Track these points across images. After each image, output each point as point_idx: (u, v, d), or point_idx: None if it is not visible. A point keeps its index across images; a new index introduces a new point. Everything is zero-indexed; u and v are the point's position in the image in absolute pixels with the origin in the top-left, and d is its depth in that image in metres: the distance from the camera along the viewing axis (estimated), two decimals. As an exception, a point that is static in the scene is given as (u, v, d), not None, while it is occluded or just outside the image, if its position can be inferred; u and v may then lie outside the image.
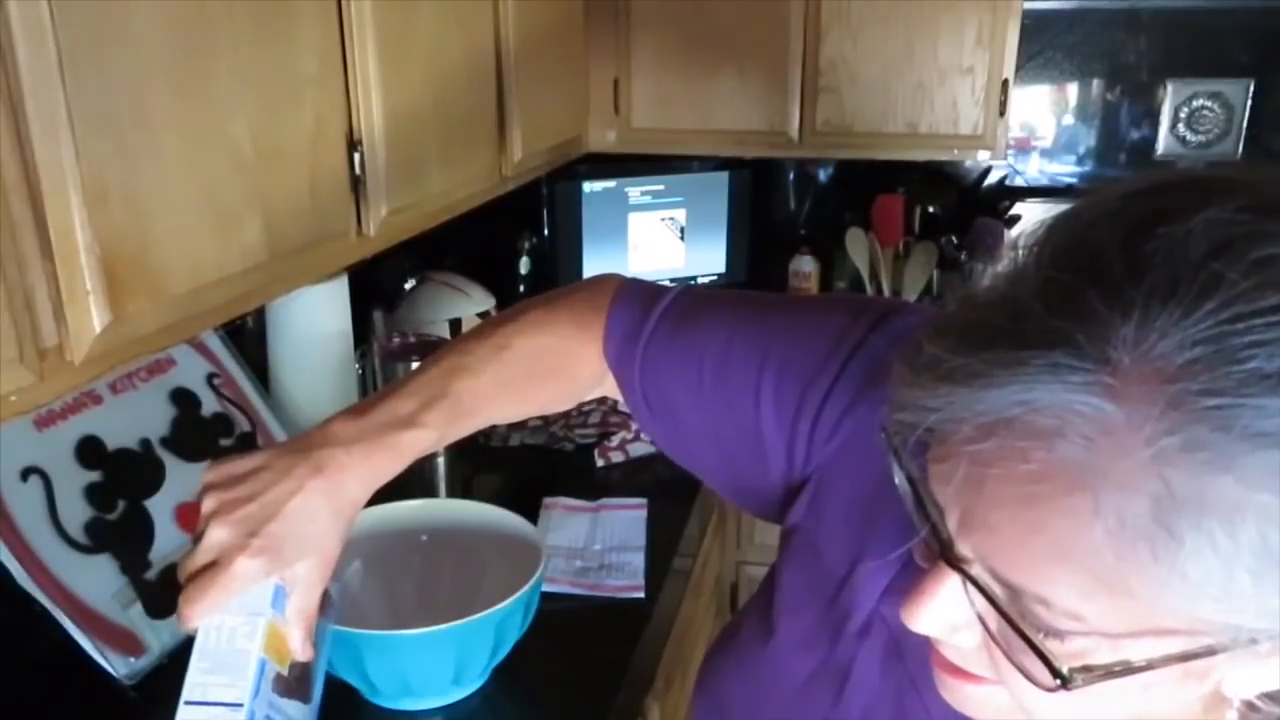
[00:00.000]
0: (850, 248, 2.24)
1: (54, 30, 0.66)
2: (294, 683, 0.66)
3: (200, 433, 1.30)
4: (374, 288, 1.77)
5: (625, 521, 1.51)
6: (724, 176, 2.26)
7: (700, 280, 2.33)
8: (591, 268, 2.23)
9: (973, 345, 0.38)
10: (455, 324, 1.86)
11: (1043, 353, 0.36)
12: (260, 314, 1.50)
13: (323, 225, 1.03)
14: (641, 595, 1.32)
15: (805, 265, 2.28)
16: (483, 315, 1.91)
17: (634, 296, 0.78)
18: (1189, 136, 2.21)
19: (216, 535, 0.61)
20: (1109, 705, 0.42)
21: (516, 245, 2.15)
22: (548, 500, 1.57)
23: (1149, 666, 0.39)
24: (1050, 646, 0.40)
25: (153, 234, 0.77)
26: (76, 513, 1.11)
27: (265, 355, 1.51)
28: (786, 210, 2.42)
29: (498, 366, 0.73)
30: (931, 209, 2.26)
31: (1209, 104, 2.18)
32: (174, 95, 0.79)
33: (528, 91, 1.57)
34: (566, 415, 1.86)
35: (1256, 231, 0.35)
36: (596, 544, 1.45)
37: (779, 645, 0.65)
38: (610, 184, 2.19)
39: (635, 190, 2.21)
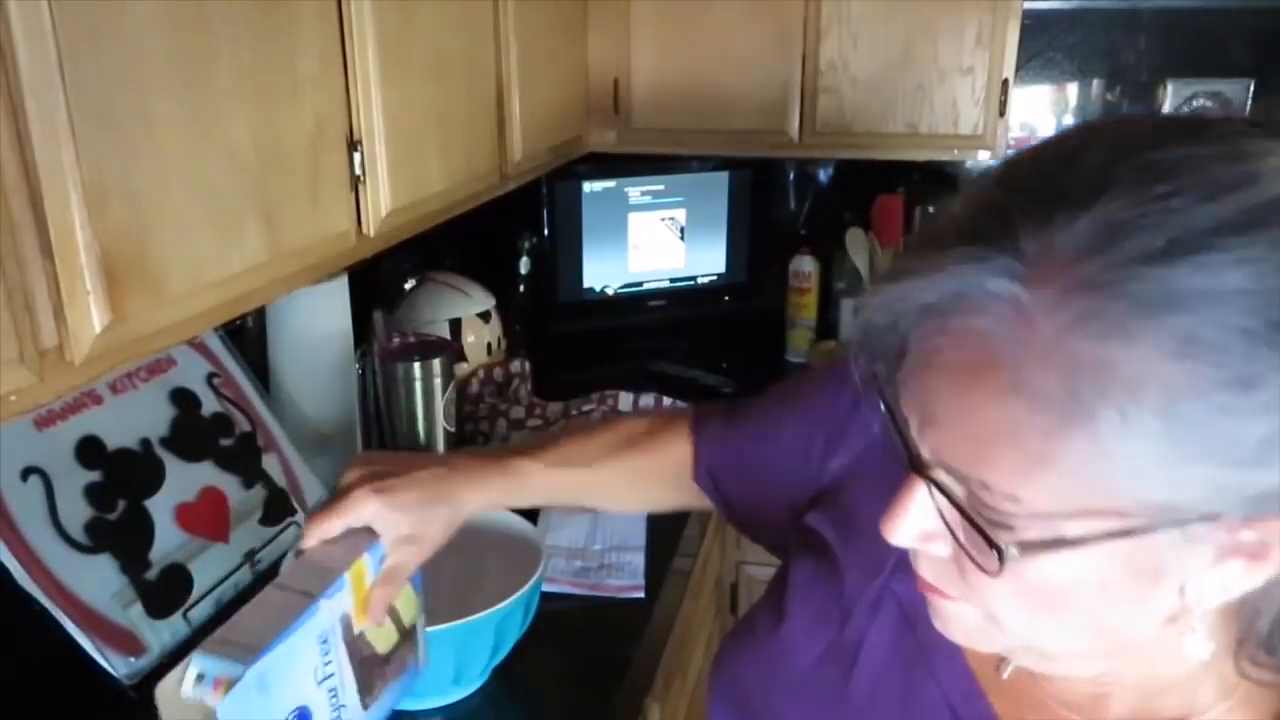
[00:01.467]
0: (850, 248, 2.24)
1: (54, 30, 0.66)
2: (362, 662, 0.71)
3: (200, 433, 1.30)
4: (374, 288, 1.77)
5: (625, 521, 1.51)
6: (724, 176, 2.26)
7: (700, 280, 2.33)
8: (591, 268, 2.23)
9: (915, 249, 0.45)
10: (455, 324, 1.86)
11: (966, 248, 0.42)
12: (260, 314, 1.50)
13: (323, 225, 1.03)
14: (641, 595, 1.33)
15: (805, 265, 2.28)
16: (483, 315, 1.91)
17: (712, 406, 0.89)
18: (1189, 136, 2.21)
19: (349, 475, 0.74)
20: (1068, 611, 0.46)
21: (516, 245, 2.15)
22: (548, 500, 1.57)
23: (1081, 541, 0.42)
24: (1001, 537, 0.44)
25: (153, 234, 0.77)
26: (76, 513, 1.11)
27: (265, 355, 1.51)
28: (786, 210, 2.42)
29: (602, 432, 0.87)
30: (931, 209, 2.26)
31: (1209, 104, 2.17)
32: (174, 95, 0.79)
33: (528, 91, 1.57)
34: (566, 415, 1.86)
35: (1151, 143, 0.41)
36: (596, 544, 1.46)
37: (791, 628, 0.68)
38: (610, 184, 2.19)
39: (635, 190, 2.21)
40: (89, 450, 1.14)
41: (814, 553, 0.70)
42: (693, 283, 2.33)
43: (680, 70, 2.00)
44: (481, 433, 1.82)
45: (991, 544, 0.43)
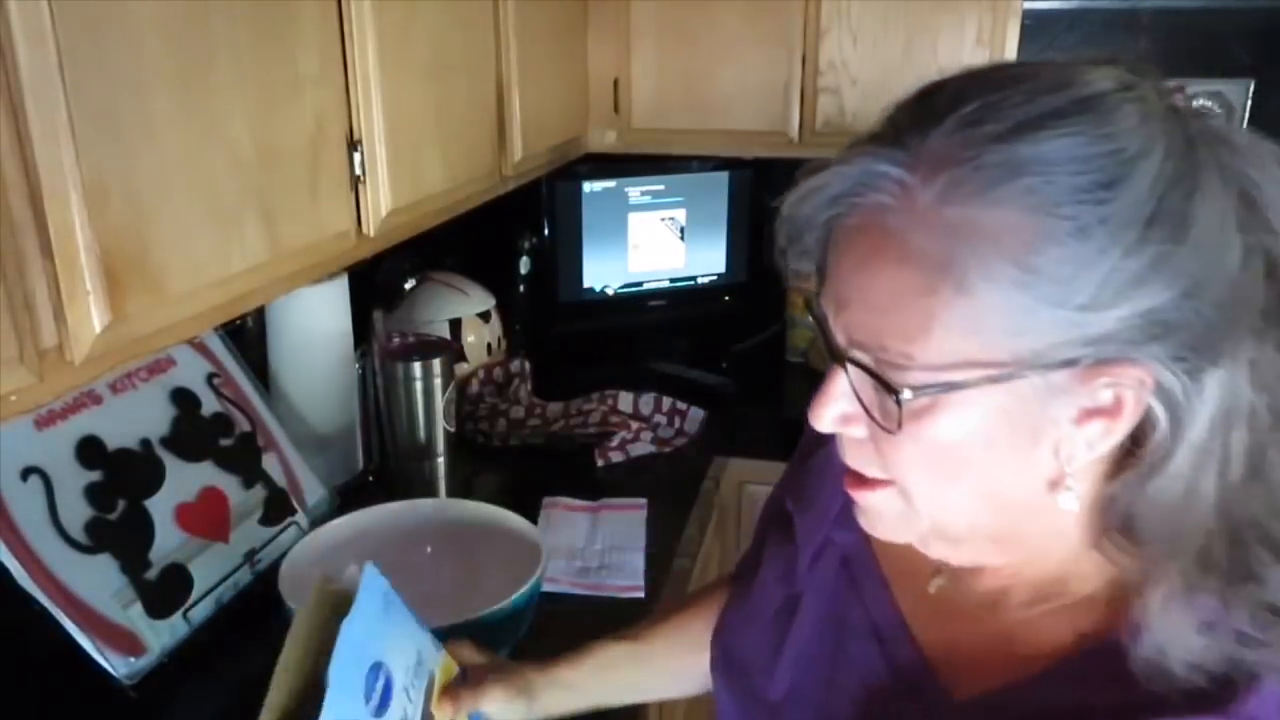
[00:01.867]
0: (850, 248, 2.24)
1: (54, 30, 0.66)
2: None
3: (200, 433, 1.30)
4: (374, 288, 1.77)
5: (625, 521, 1.51)
6: (724, 176, 2.26)
7: (700, 280, 2.33)
8: (591, 268, 2.23)
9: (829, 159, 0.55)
10: (455, 324, 1.86)
11: (864, 148, 0.53)
12: (260, 314, 1.50)
13: (323, 225, 1.03)
14: (641, 595, 1.33)
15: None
16: (483, 315, 1.91)
17: None
18: (1189, 136, 2.21)
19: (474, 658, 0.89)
20: (963, 471, 0.54)
21: (516, 245, 2.15)
22: (548, 500, 1.57)
23: (964, 385, 0.50)
24: (899, 388, 0.52)
25: (153, 234, 0.78)
26: (76, 513, 1.11)
27: (265, 355, 1.51)
28: (786, 210, 2.42)
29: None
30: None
31: (1209, 104, 2.17)
32: (174, 95, 0.79)
33: (528, 91, 1.57)
34: (566, 415, 1.86)
35: (996, 69, 0.52)
36: (596, 544, 1.46)
37: (761, 580, 0.79)
38: (610, 184, 2.19)
39: (635, 190, 2.21)
40: (89, 450, 1.14)
41: (780, 524, 0.80)
42: (693, 283, 2.33)
43: (680, 70, 2.00)
44: (481, 432, 1.82)
45: (891, 390, 0.52)
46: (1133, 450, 0.53)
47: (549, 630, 1.18)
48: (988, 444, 0.53)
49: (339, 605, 0.72)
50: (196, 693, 1.13)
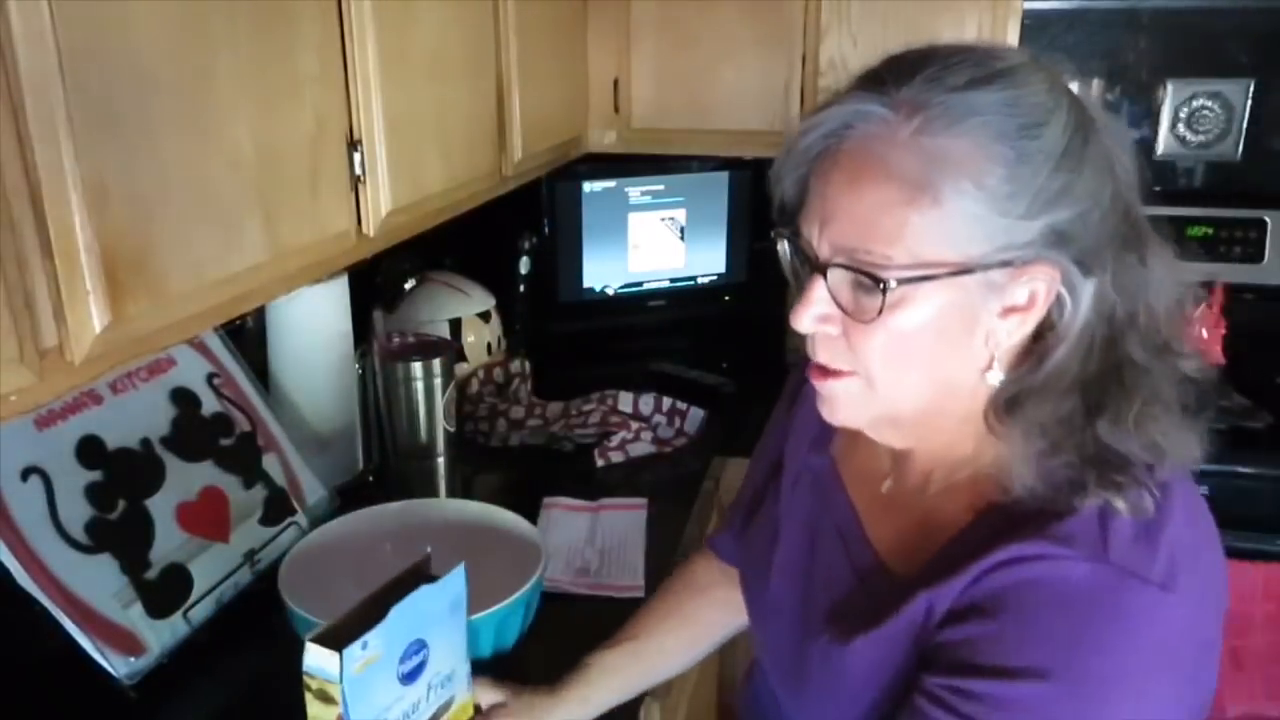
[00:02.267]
0: (850, 248, 2.25)
1: (54, 30, 0.66)
2: None
3: (200, 432, 1.30)
4: (374, 288, 1.77)
5: (625, 521, 1.51)
6: (724, 176, 2.26)
7: (700, 280, 2.33)
8: (591, 268, 2.23)
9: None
10: (455, 324, 1.86)
11: (853, 93, 0.68)
12: (260, 314, 1.50)
13: (323, 225, 1.03)
14: (641, 595, 1.32)
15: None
16: (483, 315, 1.91)
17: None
18: (1189, 136, 2.20)
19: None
20: (917, 357, 0.70)
21: (516, 245, 2.15)
22: (548, 500, 1.57)
23: (934, 278, 0.66)
24: (890, 287, 0.66)
25: (153, 234, 0.77)
26: (77, 512, 1.11)
27: (265, 355, 1.51)
28: (786, 210, 2.42)
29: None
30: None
31: (1209, 104, 2.17)
32: (174, 95, 0.79)
33: (528, 91, 1.57)
34: (566, 415, 1.86)
35: (951, 50, 0.68)
36: (596, 544, 1.45)
37: (757, 524, 0.98)
38: (610, 184, 2.19)
39: (635, 190, 2.21)
40: (89, 450, 1.14)
41: (769, 465, 1.00)
42: (693, 283, 2.33)
43: (680, 70, 2.00)
44: (481, 432, 1.82)
45: (877, 281, 0.66)
46: (1030, 349, 0.70)
47: (549, 630, 1.18)
48: (939, 333, 0.68)
49: (420, 573, 0.85)
50: (196, 693, 1.13)
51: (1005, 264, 0.65)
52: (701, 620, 1.11)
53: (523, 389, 1.91)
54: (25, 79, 0.64)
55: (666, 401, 1.87)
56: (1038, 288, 0.67)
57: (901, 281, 0.66)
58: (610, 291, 2.27)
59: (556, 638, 1.17)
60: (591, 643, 1.06)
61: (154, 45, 0.76)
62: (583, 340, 2.24)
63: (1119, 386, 0.68)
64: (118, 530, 1.14)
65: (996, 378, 0.70)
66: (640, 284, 2.29)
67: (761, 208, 2.41)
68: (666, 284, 2.31)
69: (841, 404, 0.75)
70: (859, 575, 0.81)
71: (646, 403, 1.87)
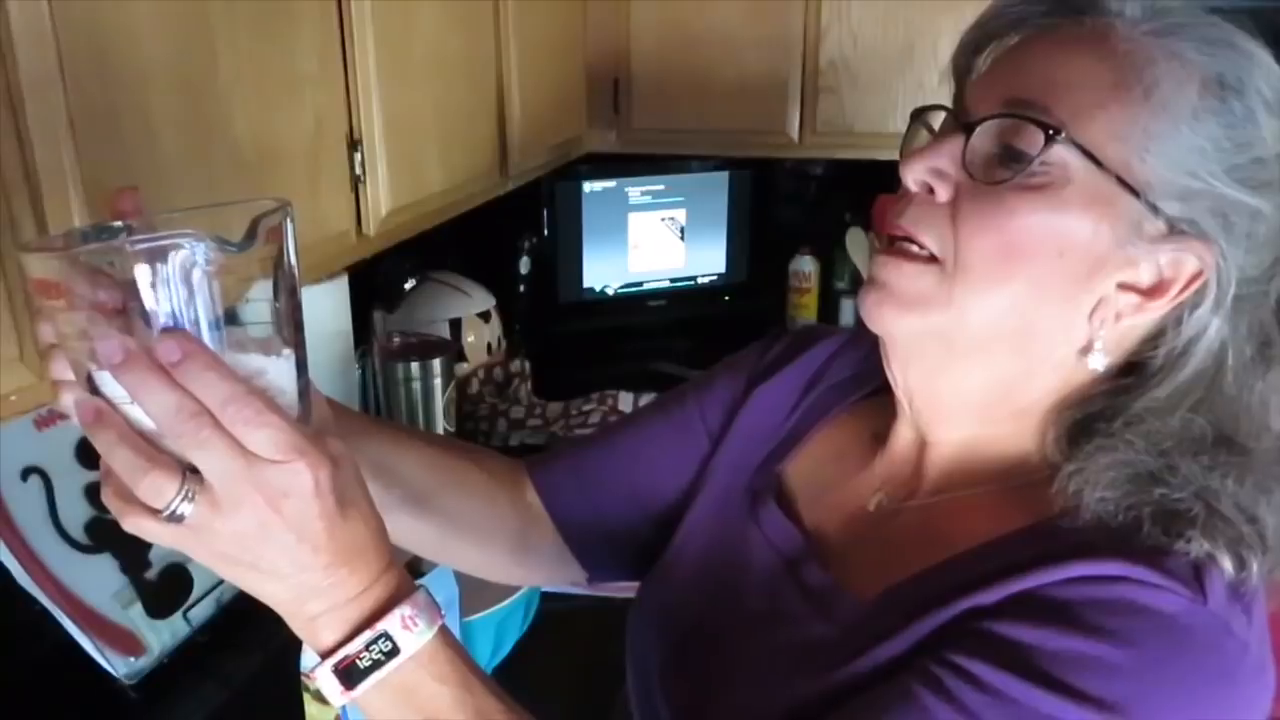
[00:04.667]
0: (850, 248, 2.24)
1: (54, 30, 0.66)
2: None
3: (200, 433, 1.30)
4: (374, 288, 1.77)
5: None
6: (724, 176, 2.26)
7: (700, 280, 2.33)
8: (591, 268, 2.23)
9: None
10: (455, 324, 1.86)
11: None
12: (260, 314, 1.50)
13: (323, 225, 1.03)
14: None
15: (805, 265, 2.28)
16: (483, 315, 1.91)
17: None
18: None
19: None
20: (1021, 270, 0.57)
21: (516, 245, 2.15)
22: (548, 500, 1.56)
23: (1102, 166, 0.56)
24: (1060, 139, 0.56)
25: (153, 234, 0.77)
26: (77, 513, 1.11)
27: (265, 355, 1.51)
28: (786, 210, 2.42)
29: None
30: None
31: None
32: (174, 95, 0.79)
33: (528, 91, 1.57)
34: (566, 415, 1.86)
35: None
36: (596, 544, 1.45)
37: (649, 458, 0.84)
38: (610, 184, 2.19)
39: (635, 190, 2.21)
40: (89, 450, 1.14)
41: (680, 418, 0.84)
42: (693, 283, 2.33)
43: (680, 70, 2.00)
44: (481, 432, 1.82)
45: (1046, 129, 0.56)
46: (1130, 365, 0.60)
47: (549, 630, 1.18)
48: (1060, 252, 0.57)
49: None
50: (196, 693, 1.13)
51: (1170, 217, 0.56)
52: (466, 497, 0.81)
53: (523, 389, 1.91)
54: (25, 79, 0.64)
55: (666, 401, 1.87)
56: (1182, 267, 0.57)
57: (1067, 141, 0.56)
58: (610, 291, 2.27)
59: (556, 638, 1.17)
60: (592, 643, 1.06)
61: (154, 45, 0.76)
62: (583, 340, 2.23)
63: (1236, 437, 0.57)
64: (118, 530, 1.13)
65: (1100, 362, 0.59)
66: (640, 284, 2.29)
67: (761, 207, 2.40)
68: (666, 284, 2.31)
69: (898, 295, 0.61)
70: (813, 607, 0.66)
71: (646, 403, 1.87)
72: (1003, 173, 0.57)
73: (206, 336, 0.46)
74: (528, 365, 1.96)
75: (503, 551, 0.83)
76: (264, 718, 1.08)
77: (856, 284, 2.28)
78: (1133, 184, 0.56)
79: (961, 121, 0.60)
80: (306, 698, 0.77)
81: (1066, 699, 0.51)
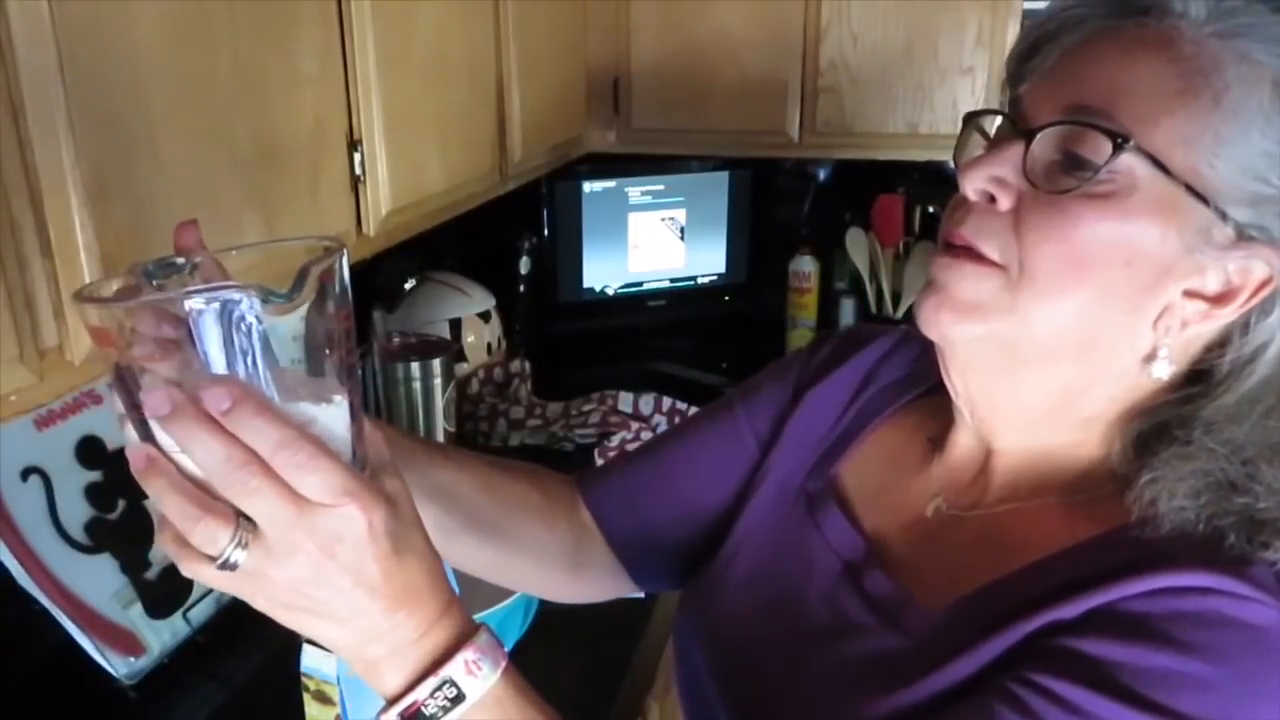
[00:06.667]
0: (850, 248, 2.24)
1: (54, 30, 0.66)
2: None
3: (200, 433, 1.30)
4: (374, 288, 1.77)
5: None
6: (724, 176, 2.26)
7: (700, 280, 2.33)
8: (591, 268, 2.23)
9: None
10: (455, 324, 1.86)
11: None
12: (260, 314, 1.50)
13: (322, 225, 1.03)
14: (641, 595, 1.32)
15: (805, 265, 2.28)
16: (483, 315, 1.91)
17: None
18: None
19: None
20: (1088, 279, 0.56)
21: (516, 245, 2.15)
22: (548, 500, 1.56)
23: (1170, 174, 0.55)
24: (1129, 146, 0.55)
25: (153, 234, 0.77)
26: (77, 513, 1.11)
27: (265, 355, 1.51)
28: (786, 210, 2.42)
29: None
30: (931, 209, 2.26)
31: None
32: (174, 95, 0.79)
33: (528, 91, 1.57)
34: (567, 415, 1.86)
35: None
36: (596, 544, 1.45)
37: (695, 471, 0.84)
38: (610, 184, 2.19)
39: (635, 190, 2.21)
40: (89, 450, 1.14)
41: (729, 430, 0.83)
42: (693, 283, 2.33)
43: (680, 70, 2.00)
44: (481, 432, 1.82)
45: (1114, 138, 0.55)
46: (1195, 374, 0.59)
47: (549, 630, 1.18)
48: (1127, 261, 0.56)
49: None
50: (196, 693, 1.13)
51: (1239, 223, 0.55)
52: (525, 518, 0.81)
53: (523, 389, 1.91)
54: (25, 79, 0.64)
55: (666, 401, 1.87)
56: (1249, 275, 0.56)
57: (1134, 149, 0.54)
58: (610, 291, 2.27)
59: (556, 638, 1.17)
60: (592, 643, 1.06)
61: (154, 45, 0.76)
62: (583, 340, 2.24)
63: None
64: (117, 530, 1.14)
65: (1164, 370, 0.58)
66: (640, 284, 2.29)
67: (762, 207, 2.41)
68: (666, 284, 2.31)
69: (958, 300, 0.59)
70: (879, 617, 0.65)
71: (646, 403, 1.87)
72: (1067, 181, 0.56)
73: (257, 384, 0.47)
74: (528, 365, 1.96)
75: (560, 570, 0.83)
76: (264, 718, 1.08)
77: (856, 284, 2.28)
78: (1201, 191, 0.55)
79: (1021, 128, 0.59)
80: (306, 698, 0.77)
81: (1157, 717, 0.50)
